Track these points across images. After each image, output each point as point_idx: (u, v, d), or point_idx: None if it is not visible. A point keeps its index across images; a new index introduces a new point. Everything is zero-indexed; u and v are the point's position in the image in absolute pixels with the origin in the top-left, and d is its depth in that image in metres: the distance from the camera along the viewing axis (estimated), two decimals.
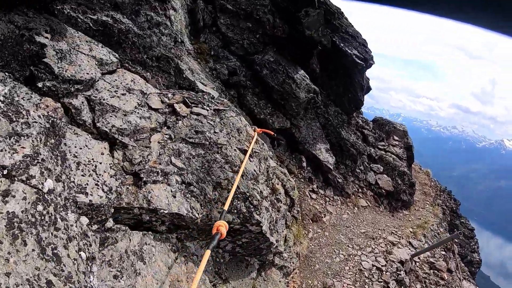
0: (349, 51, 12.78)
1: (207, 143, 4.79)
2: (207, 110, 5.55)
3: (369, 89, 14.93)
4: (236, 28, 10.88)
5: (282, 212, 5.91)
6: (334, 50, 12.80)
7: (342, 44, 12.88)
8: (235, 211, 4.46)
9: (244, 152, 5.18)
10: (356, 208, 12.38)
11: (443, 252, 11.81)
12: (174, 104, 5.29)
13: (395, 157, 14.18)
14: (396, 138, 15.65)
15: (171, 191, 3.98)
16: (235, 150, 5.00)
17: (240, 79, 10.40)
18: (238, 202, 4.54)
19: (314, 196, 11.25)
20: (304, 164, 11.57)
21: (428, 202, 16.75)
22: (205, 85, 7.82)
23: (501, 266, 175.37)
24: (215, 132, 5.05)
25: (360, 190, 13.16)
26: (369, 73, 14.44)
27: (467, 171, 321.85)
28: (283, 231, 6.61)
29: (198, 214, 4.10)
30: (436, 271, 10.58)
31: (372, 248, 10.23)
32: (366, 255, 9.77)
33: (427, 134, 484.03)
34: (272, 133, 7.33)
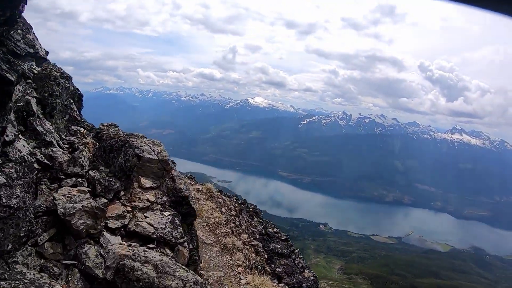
0: None
1: None
2: None
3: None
4: None
5: None
6: None
7: None
8: None
9: None
10: None
11: None
12: None
13: (161, 256, 5.10)
14: (146, 183, 6.58)
15: None
16: None
17: None
18: None
19: None
20: None
21: (241, 267, 8.89)
22: None
23: (271, 200, 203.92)
24: None
25: None
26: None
27: (220, 130, 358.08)
28: None
29: None
30: None
31: None
32: None
33: (178, 104, 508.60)
34: None
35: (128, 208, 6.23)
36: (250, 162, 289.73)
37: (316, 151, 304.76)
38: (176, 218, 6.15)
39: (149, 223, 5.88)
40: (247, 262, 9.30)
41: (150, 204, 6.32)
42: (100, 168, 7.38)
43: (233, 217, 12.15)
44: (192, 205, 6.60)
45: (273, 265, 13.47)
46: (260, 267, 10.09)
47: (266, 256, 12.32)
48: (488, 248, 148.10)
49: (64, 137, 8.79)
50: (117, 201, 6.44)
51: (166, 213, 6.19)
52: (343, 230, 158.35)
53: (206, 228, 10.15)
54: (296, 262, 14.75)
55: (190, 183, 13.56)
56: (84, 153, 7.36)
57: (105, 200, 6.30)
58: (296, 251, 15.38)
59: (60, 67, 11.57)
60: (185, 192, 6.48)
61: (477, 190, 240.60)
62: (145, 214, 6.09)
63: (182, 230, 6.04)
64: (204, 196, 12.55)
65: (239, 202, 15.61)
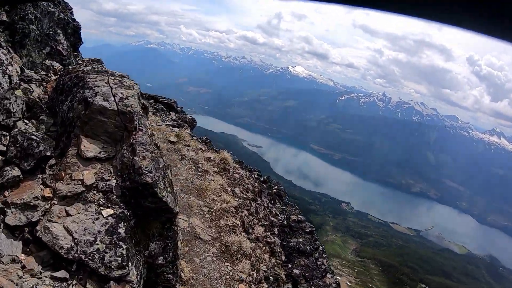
0: None
1: None
2: None
3: None
4: None
5: None
6: None
7: None
8: None
9: None
10: None
11: None
12: None
13: None
14: (90, 149, 3.65)
15: None
16: None
17: None
18: None
19: None
20: None
21: (245, 283, 6.15)
22: None
23: (298, 171, 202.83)
24: None
25: None
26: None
27: (258, 95, 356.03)
28: None
29: None
30: None
31: None
32: None
33: (218, 65, 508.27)
34: None
35: (48, 192, 3.45)
36: (283, 130, 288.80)
37: (350, 129, 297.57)
38: (121, 225, 3.33)
39: (66, 229, 3.11)
40: (255, 275, 6.56)
41: (84, 189, 3.52)
42: (41, 117, 4.62)
43: (248, 201, 9.30)
44: (164, 198, 3.72)
45: (290, 265, 10.82)
46: (272, 278, 7.35)
47: (283, 257, 9.56)
48: (504, 259, 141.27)
49: (29, 72, 6.10)
50: (39, 176, 3.68)
51: (106, 212, 3.38)
52: (364, 212, 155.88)
53: (207, 215, 7.36)
54: (318, 263, 12.00)
55: (201, 148, 10.74)
56: (17, 92, 4.59)
57: (16, 173, 3.55)
58: (321, 248, 12.59)
59: None
60: (147, 177, 3.56)
61: (506, 199, 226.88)
62: (67, 208, 3.32)
63: (125, 252, 3.22)
64: (216, 169, 9.66)
65: (261, 179, 12.71)
